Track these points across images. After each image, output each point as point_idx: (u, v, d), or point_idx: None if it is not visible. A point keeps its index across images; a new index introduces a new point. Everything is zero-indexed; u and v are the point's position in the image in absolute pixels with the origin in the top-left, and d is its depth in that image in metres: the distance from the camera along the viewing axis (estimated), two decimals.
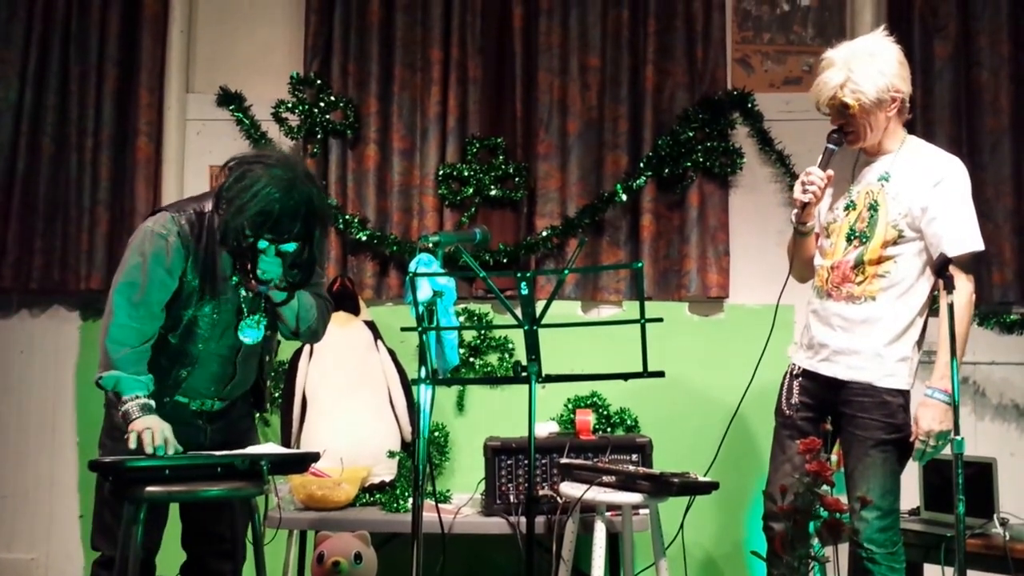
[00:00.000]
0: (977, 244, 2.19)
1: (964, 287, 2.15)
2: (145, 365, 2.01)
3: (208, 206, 2.03)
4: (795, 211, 2.33)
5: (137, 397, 1.97)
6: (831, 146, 2.25)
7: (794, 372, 2.33)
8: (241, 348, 2.12)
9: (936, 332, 2.21)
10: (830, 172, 2.26)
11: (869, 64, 2.17)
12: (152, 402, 1.99)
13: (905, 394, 2.23)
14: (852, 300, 2.22)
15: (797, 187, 2.30)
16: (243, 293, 2.08)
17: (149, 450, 1.94)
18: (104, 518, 2.09)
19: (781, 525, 2.17)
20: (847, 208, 2.27)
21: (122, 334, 1.99)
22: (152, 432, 1.95)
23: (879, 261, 2.20)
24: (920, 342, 2.26)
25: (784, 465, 2.27)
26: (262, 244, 1.92)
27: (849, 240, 2.24)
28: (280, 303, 2.07)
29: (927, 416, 2.15)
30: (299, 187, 1.92)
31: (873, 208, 2.22)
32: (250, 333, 2.09)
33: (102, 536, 2.10)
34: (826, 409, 2.28)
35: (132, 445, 1.95)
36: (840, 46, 2.23)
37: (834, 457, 2.43)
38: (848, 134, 2.24)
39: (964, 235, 2.17)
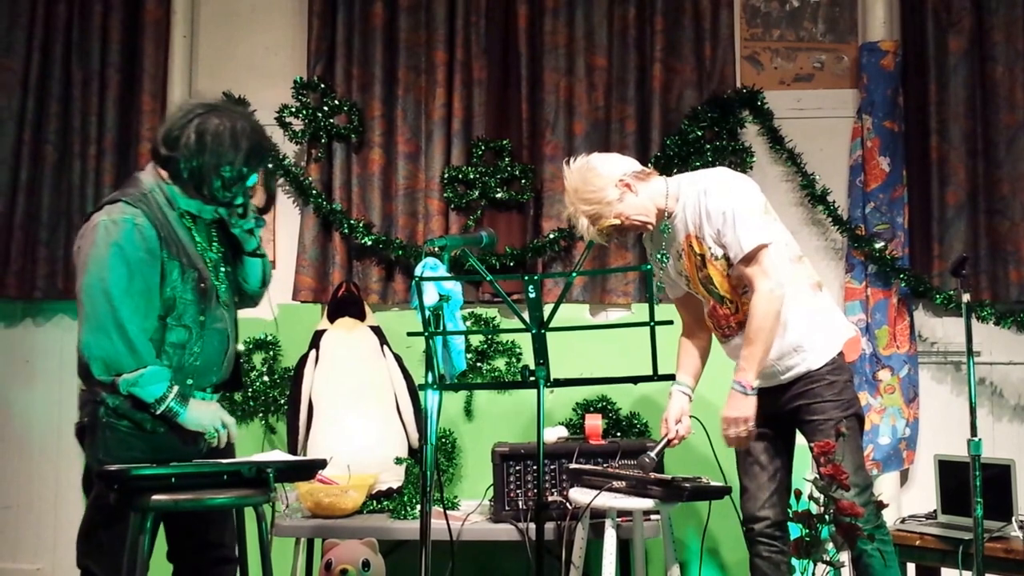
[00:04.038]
0: (755, 240, 2.21)
1: (761, 285, 2.20)
2: (155, 356, 1.98)
3: (142, 189, 2.03)
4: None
5: (172, 387, 1.96)
6: (648, 460, 2.39)
7: None
8: (230, 315, 2.14)
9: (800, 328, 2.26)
10: (678, 429, 2.39)
11: (584, 192, 2.27)
12: (179, 387, 1.99)
13: (842, 366, 2.28)
14: (744, 327, 2.27)
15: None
16: (210, 257, 2.09)
17: (228, 440, 2.07)
18: (98, 537, 2.02)
19: (762, 525, 2.31)
20: (686, 270, 2.35)
21: (135, 328, 1.93)
22: (225, 425, 2.06)
23: (733, 288, 2.28)
24: (820, 308, 2.31)
25: (753, 467, 2.35)
26: (253, 178, 2.05)
27: (708, 290, 2.32)
28: (257, 250, 2.16)
29: (726, 404, 2.25)
30: (249, 116, 2.11)
31: (698, 256, 2.30)
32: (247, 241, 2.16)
33: (94, 556, 2.02)
34: (773, 415, 2.33)
35: (221, 444, 2.04)
36: (566, 194, 2.33)
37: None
38: (638, 232, 2.37)
39: (739, 237, 2.21)
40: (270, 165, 2.13)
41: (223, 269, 2.12)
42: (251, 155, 2.02)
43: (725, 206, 2.20)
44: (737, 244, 2.19)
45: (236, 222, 2.10)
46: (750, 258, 2.19)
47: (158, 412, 1.95)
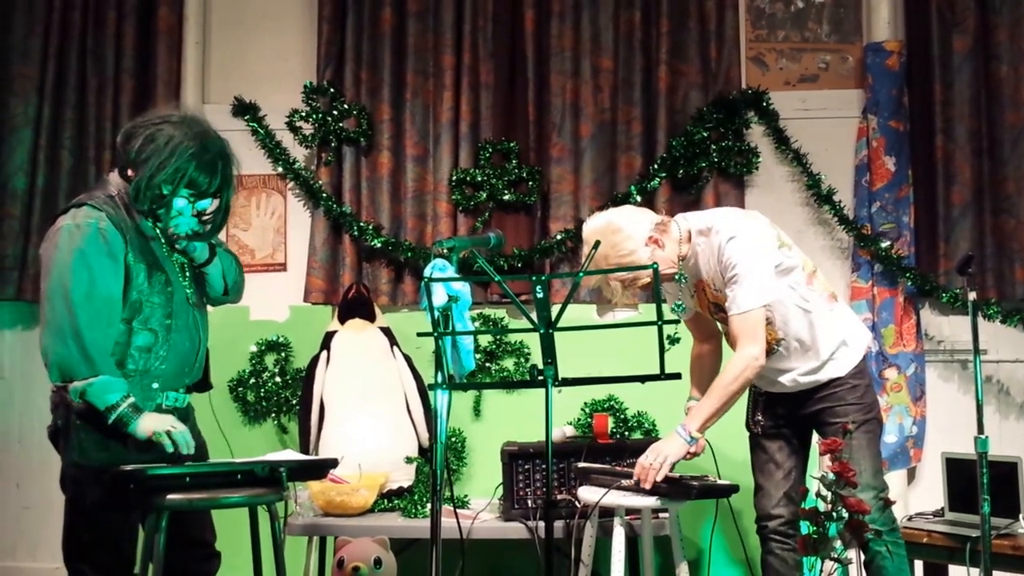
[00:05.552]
0: (747, 304, 2.19)
1: (743, 351, 2.19)
2: (113, 365, 1.95)
3: (109, 191, 2.00)
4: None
5: (127, 397, 1.92)
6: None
7: (758, 392, 2.41)
8: (200, 315, 2.11)
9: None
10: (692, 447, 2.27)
11: (615, 258, 2.20)
12: (136, 398, 1.96)
13: (863, 371, 2.31)
14: (771, 351, 2.27)
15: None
16: (177, 259, 2.06)
17: (185, 451, 1.95)
18: (81, 538, 1.99)
19: (775, 523, 2.32)
20: (699, 307, 2.37)
21: (92, 336, 1.90)
22: (178, 433, 1.95)
23: None
24: (839, 318, 2.31)
25: (768, 465, 2.37)
26: (182, 198, 1.95)
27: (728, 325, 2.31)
28: (205, 263, 2.09)
29: (665, 441, 2.29)
30: (213, 138, 1.99)
31: (712, 304, 2.32)
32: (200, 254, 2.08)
33: (82, 557, 1.98)
34: (792, 416, 2.35)
35: (174, 451, 1.95)
36: (587, 258, 2.12)
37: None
38: (667, 279, 2.29)
39: (736, 297, 2.20)
40: (214, 190, 1.98)
41: (191, 271, 2.10)
42: (180, 177, 1.92)
43: (733, 262, 2.20)
44: (734, 302, 2.20)
45: (177, 241, 2.04)
46: (742, 317, 2.19)
47: (110, 420, 1.92)
